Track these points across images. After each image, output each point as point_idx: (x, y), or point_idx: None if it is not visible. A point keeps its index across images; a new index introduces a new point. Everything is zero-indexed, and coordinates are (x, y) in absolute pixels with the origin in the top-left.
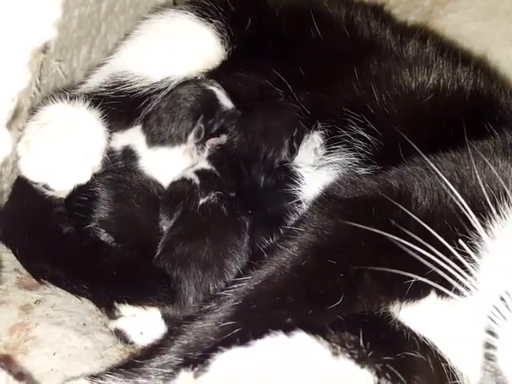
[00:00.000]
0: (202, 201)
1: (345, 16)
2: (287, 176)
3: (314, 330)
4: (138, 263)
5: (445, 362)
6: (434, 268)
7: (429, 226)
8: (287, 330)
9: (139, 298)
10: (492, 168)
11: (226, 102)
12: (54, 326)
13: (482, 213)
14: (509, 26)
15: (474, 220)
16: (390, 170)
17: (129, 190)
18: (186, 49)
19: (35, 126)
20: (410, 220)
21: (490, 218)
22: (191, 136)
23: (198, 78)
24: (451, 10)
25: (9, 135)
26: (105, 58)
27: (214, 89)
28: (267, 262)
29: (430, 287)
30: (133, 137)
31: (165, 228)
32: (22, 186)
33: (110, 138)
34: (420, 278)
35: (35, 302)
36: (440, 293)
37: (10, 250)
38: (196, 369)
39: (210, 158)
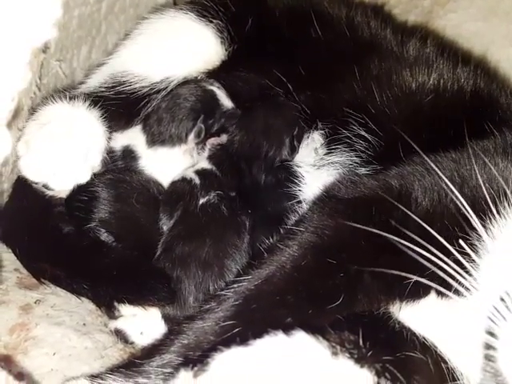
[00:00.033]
0: (202, 201)
1: (345, 16)
2: (288, 175)
3: (313, 329)
4: (138, 263)
5: (445, 362)
6: (434, 268)
7: (429, 225)
8: (287, 329)
9: (139, 297)
10: (492, 168)
11: (227, 102)
12: (54, 325)
13: (483, 213)
14: (509, 26)
15: (475, 220)
16: (391, 170)
17: (129, 190)
18: (186, 49)
19: (35, 126)
20: (410, 220)
21: (490, 218)
22: (191, 136)
23: (198, 77)
24: (451, 9)
25: (9, 135)
26: (105, 58)
27: (214, 89)
28: (267, 262)
29: (430, 287)
30: (133, 137)
31: (165, 228)
32: (22, 185)
33: (109, 138)
34: (420, 279)
35: (35, 302)
36: (440, 293)
37: (10, 250)
38: (196, 368)
39: (210, 158)
